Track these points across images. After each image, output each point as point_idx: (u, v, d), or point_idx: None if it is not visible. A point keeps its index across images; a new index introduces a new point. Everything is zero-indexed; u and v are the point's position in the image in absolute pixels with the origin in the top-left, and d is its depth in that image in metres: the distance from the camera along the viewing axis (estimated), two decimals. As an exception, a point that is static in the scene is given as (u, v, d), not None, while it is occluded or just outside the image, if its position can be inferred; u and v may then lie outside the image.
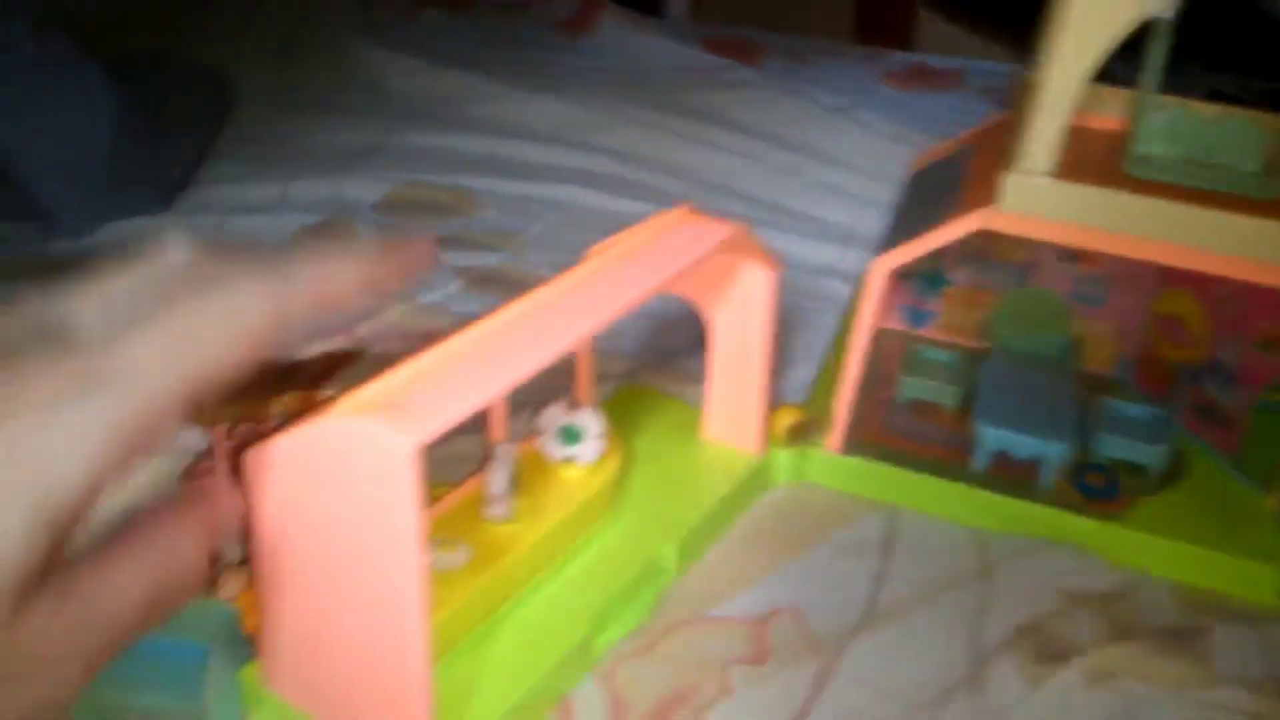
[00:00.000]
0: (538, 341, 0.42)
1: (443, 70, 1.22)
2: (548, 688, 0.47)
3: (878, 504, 0.61)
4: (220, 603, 0.46)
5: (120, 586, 0.28)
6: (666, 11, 1.82)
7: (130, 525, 0.29)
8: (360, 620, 0.40)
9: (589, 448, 0.54)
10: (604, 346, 0.62)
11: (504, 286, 0.81)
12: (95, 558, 0.28)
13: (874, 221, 0.91)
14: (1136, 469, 0.61)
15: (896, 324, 0.73)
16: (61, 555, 0.26)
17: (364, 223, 0.89)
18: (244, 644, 0.46)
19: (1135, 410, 0.63)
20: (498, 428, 0.53)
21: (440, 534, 0.49)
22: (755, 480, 0.60)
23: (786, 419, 0.60)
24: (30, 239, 0.89)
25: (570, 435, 0.54)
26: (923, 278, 0.71)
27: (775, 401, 0.62)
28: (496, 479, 0.50)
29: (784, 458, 0.61)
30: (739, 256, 0.55)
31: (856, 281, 0.83)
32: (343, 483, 0.37)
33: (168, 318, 0.27)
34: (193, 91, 1.14)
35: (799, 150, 1.04)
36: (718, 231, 0.51)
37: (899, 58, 1.39)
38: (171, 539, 0.30)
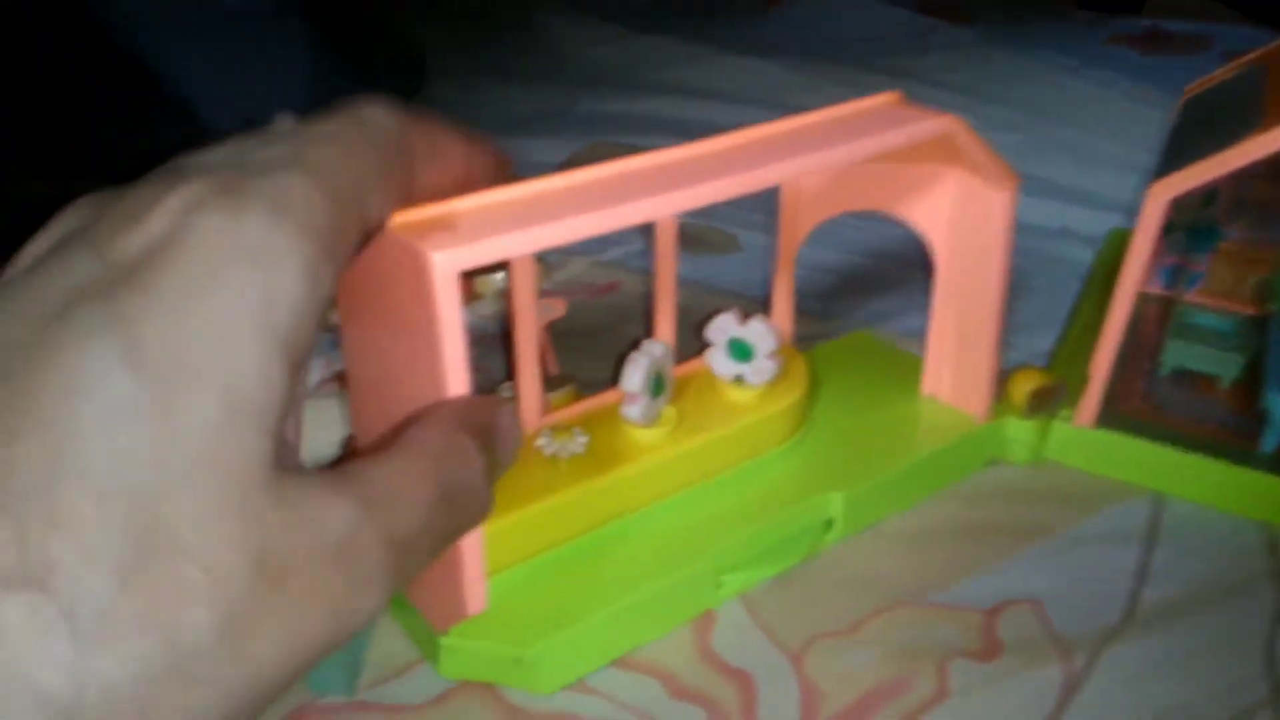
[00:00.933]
0: (655, 190, 0.36)
1: (630, 35, 1.17)
2: (648, 612, 0.41)
3: (1137, 489, 0.50)
4: None
5: (404, 485, 0.26)
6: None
7: (401, 429, 0.27)
8: None
9: (759, 367, 0.46)
10: (799, 306, 0.54)
11: (688, 244, 0.74)
12: (369, 454, 0.25)
13: (1114, 182, 0.80)
14: None
15: (1154, 288, 0.62)
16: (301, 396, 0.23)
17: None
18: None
19: None
20: (663, 326, 0.46)
21: (570, 425, 0.44)
22: (975, 447, 0.51)
23: (1029, 383, 0.51)
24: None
25: (739, 350, 0.46)
26: (1191, 232, 0.59)
27: (1008, 366, 0.52)
28: (632, 374, 0.43)
29: (1022, 428, 0.51)
30: (965, 171, 0.47)
31: (1095, 244, 0.72)
32: (394, 304, 0.33)
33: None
34: (389, 64, 1.13)
35: (1022, 108, 0.93)
36: (930, 122, 0.43)
37: (1129, 22, 1.25)
38: (452, 438, 0.28)
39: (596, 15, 1.22)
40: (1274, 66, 0.52)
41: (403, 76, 1.14)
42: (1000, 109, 0.92)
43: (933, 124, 0.43)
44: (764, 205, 0.53)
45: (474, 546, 0.36)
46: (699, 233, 0.76)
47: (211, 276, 0.21)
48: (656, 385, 0.44)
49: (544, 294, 0.47)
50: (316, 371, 0.50)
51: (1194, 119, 0.54)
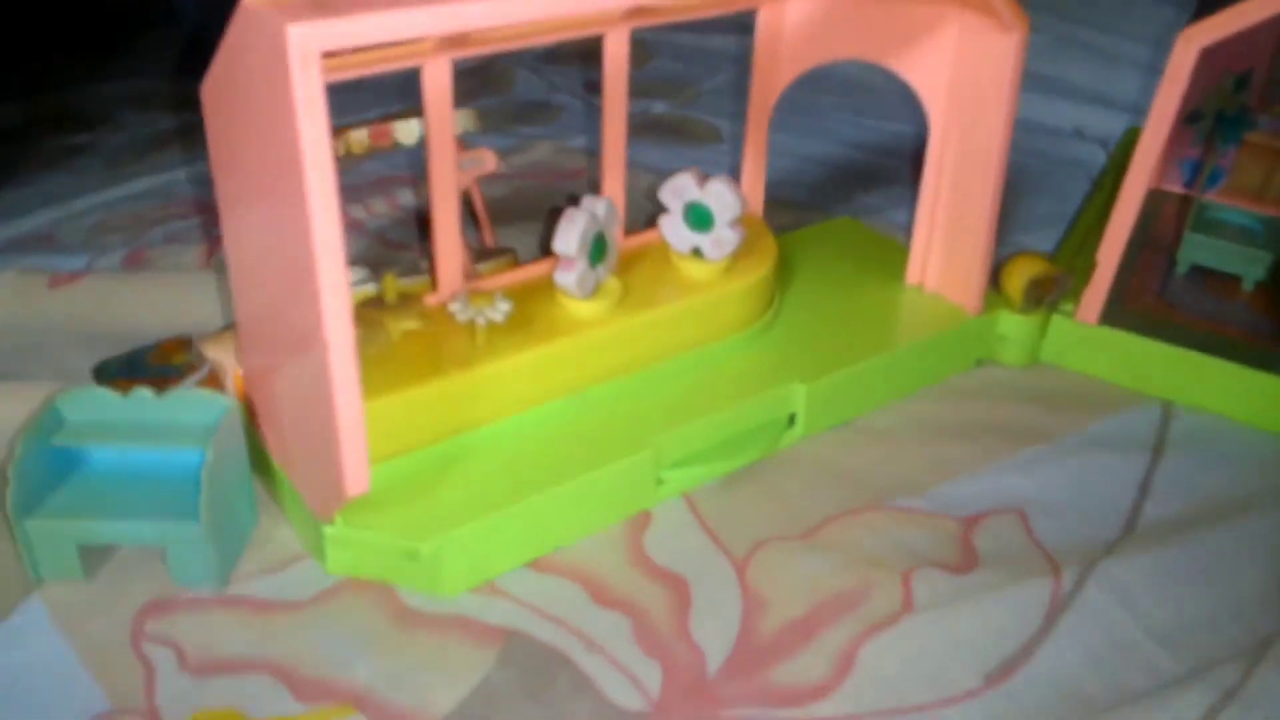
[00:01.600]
0: None
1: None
2: (574, 508, 0.36)
3: (1144, 396, 0.45)
4: (219, 395, 0.35)
5: None
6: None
7: None
8: (276, 312, 0.31)
9: (719, 238, 0.40)
10: (773, 195, 0.48)
11: (665, 134, 0.68)
12: None
13: (1133, 83, 0.73)
14: None
15: (1172, 185, 0.56)
16: None
17: (524, 69, 0.77)
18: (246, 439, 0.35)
19: None
20: (611, 180, 0.40)
21: (491, 291, 0.38)
22: (963, 343, 0.45)
23: (1028, 270, 0.44)
24: (190, 66, 0.82)
25: (697, 216, 0.41)
26: (1220, 119, 0.53)
27: (1006, 254, 0.46)
28: (567, 233, 0.37)
29: (1016, 323, 0.45)
30: (971, 12, 0.40)
31: (1110, 146, 0.66)
32: (254, 87, 0.28)
33: None
34: None
35: (1038, 6, 0.86)
36: None
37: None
38: None
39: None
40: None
41: None
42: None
43: None
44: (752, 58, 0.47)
45: (352, 415, 0.30)
46: (678, 122, 0.69)
47: None
48: (597, 250, 0.39)
49: (472, 147, 0.41)
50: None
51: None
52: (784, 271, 0.46)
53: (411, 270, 0.42)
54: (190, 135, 0.65)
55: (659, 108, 0.71)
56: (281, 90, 0.25)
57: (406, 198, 0.57)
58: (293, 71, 0.24)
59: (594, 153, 0.64)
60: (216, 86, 0.30)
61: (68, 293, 0.47)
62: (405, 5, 0.26)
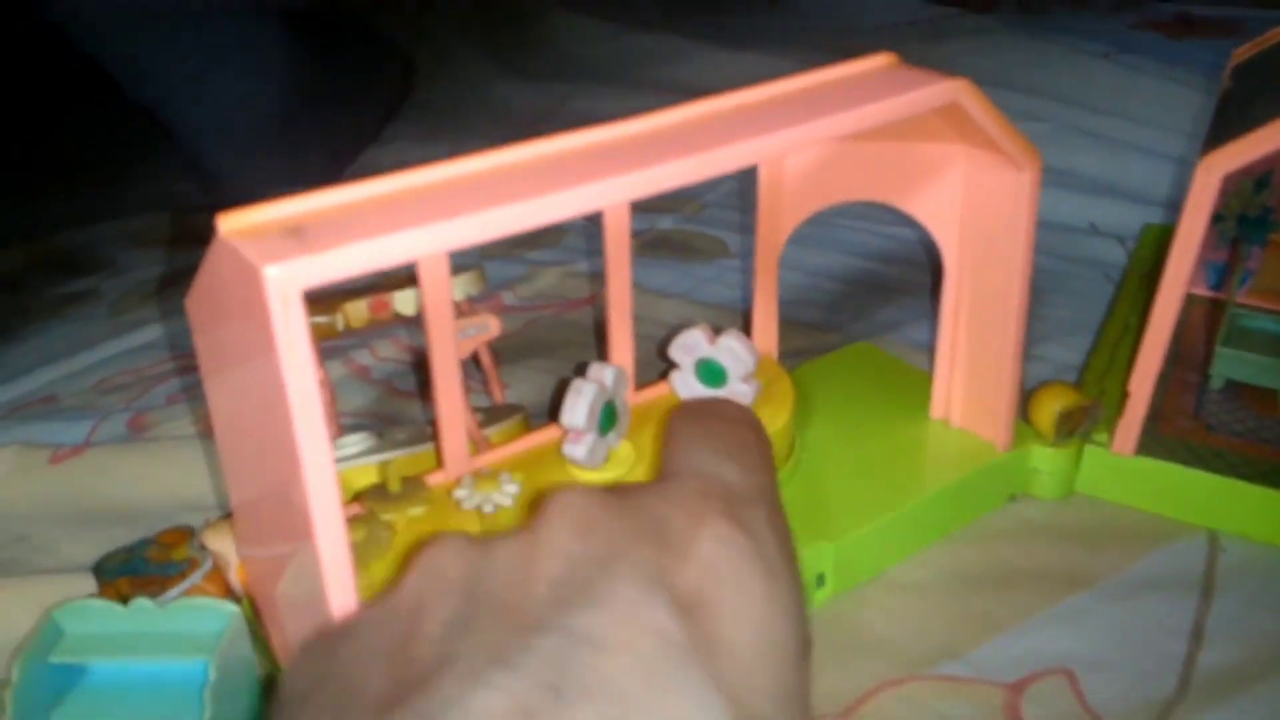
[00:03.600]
0: (593, 174, 0.28)
1: (631, 32, 1.11)
2: None
3: (1188, 527, 0.43)
4: (223, 604, 0.34)
5: None
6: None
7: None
8: (269, 509, 0.30)
9: (734, 393, 0.39)
10: (785, 315, 0.47)
11: (675, 250, 0.67)
12: None
13: (1146, 173, 0.72)
14: None
15: (1199, 288, 0.55)
16: None
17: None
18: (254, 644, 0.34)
19: None
20: (618, 347, 0.39)
21: (497, 470, 0.37)
22: (994, 480, 0.43)
23: (1057, 402, 0.43)
24: (195, 200, 0.82)
25: (709, 373, 0.39)
26: (1243, 221, 0.52)
27: (1031, 383, 0.45)
28: (574, 406, 0.35)
29: (1049, 457, 0.44)
30: (978, 149, 0.39)
31: (1127, 241, 0.64)
32: (235, 326, 0.27)
33: None
34: (374, 64, 1.08)
35: (1046, 96, 0.85)
36: (933, 87, 0.35)
37: (1155, 7, 1.17)
38: None
39: (596, 12, 1.15)
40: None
41: (388, 79, 1.09)
42: (1022, 98, 0.84)
43: (936, 89, 0.35)
44: (756, 206, 0.46)
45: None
46: (684, 238, 0.68)
47: None
48: (607, 418, 0.37)
49: (473, 309, 0.40)
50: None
51: (1247, 85, 0.46)
52: (801, 410, 0.44)
53: (418, 438, 0.41)
54: (192, 274, 0.64)
55: (665, 223, 0.70)
56: (262, 327, 0.24)
57: (416, 338, 0.56)
58: (273, 313, 0.23)
59: (601, 276, 0.63)
60: (199, 303, 0.29)
61: (68, 469, 0.46)
62: (391, 225, 0.25)
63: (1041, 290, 0.58)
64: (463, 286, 0.42)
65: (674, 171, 0.30)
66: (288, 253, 0.24)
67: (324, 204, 0.27)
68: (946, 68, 0.93)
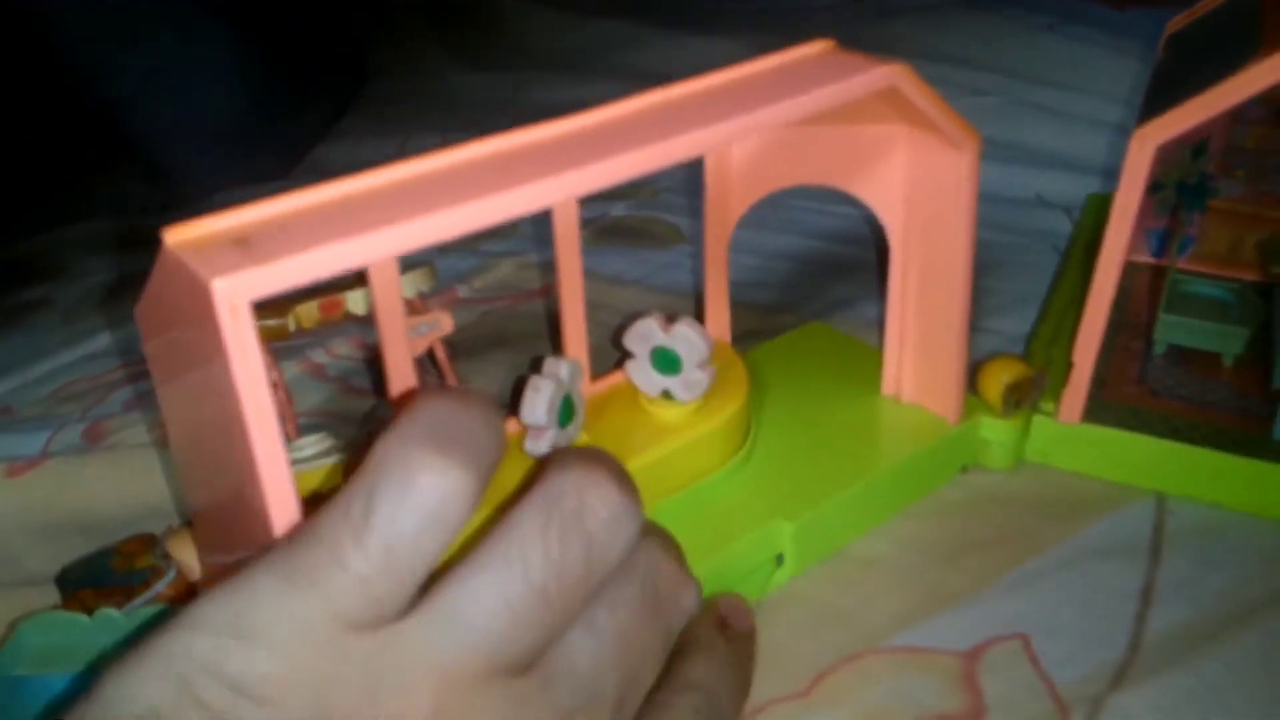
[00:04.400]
0: (537, 173, 0.29)
1: (588, 19, 1.11)
2: None
3: (1136, 491, 0.44)
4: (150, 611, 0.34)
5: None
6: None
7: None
8: (227, 515, 0.30)
9: (689, 380, 0.39)
10: (739, 297, 0.47)
11: (629, 237, 0.67)
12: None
13: (1091, 143, 0.73)
14: None
15: (1141, 256, 0.56)
16: None
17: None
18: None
19: None
20: (573, 341, 0.39)
21: None
22: (945, 454, 0.44)
23: (1004, 374, 0.44)
24: (147, 201, 0.81)
25: (664, 360, 0.40)
26: (1181, 188, 0.53)
27: (980, 355, 0.45)
28: (534, 404, 0.36)
29: (998, 428, 0.44)
30: (918, 130, 0.40)
31: (1074, 212, 0.65)
32: (185, 330, 0.27)
33: None
34: (325, 60, 1.08)
35: (994, 70, 0.86)
36: (870, 73, 0.36)
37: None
38: None
39: (552, 1, 1.15)
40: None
41: (340, 74, 1.08)
42: (970, 72, 0.85)
43: (873, 75, 0.36)
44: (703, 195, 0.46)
45: None
46: (639, 224, 0.69)
47: None
48: (565, 412, 0.38)
49: (426, 306, 0.41)
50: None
51: (1180, 56, 0.47)
52: (756, 392, 0.45)
53: (377, 425, 0.41)
54: (143, 280, 0.64)
55: (618, 209, 0.71)
56: (212, 339, 0.24)
57: (370, 335, 0.56)
58: (222, 326, 0.23)
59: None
60: (148, 315, 0.29)
61: (25, 482, 0.46)
62: (337, 233, 0.25)
63: (990, 264, 0.59)
64: (413, 283, 0.42)
65: (617, 166, 0.31)
66: (235, 265, 0.24)
67: (270, 213, 0.27)
68: (898, 45, 0.94)
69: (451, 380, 0.45)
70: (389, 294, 0.35)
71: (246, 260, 0.24)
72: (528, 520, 0.26)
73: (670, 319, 0.40)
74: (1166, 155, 0.49)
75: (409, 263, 0.41)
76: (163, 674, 0.21)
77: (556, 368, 0.37)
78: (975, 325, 0.45)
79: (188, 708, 0.21)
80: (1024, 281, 0.58)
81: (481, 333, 0.57)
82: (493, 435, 0.26)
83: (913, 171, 0.41)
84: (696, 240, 0.66)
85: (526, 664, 0.25)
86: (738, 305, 0.47)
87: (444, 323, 0.40)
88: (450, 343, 0.45)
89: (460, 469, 0.24)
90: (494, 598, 0.24)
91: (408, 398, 0.30)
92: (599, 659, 0.27)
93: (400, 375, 0.37)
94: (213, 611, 0.22)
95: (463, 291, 0.62)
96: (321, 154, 0.89)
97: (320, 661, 0.22)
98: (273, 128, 0.91)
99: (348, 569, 0.23)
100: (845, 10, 1.08)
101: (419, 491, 0.23)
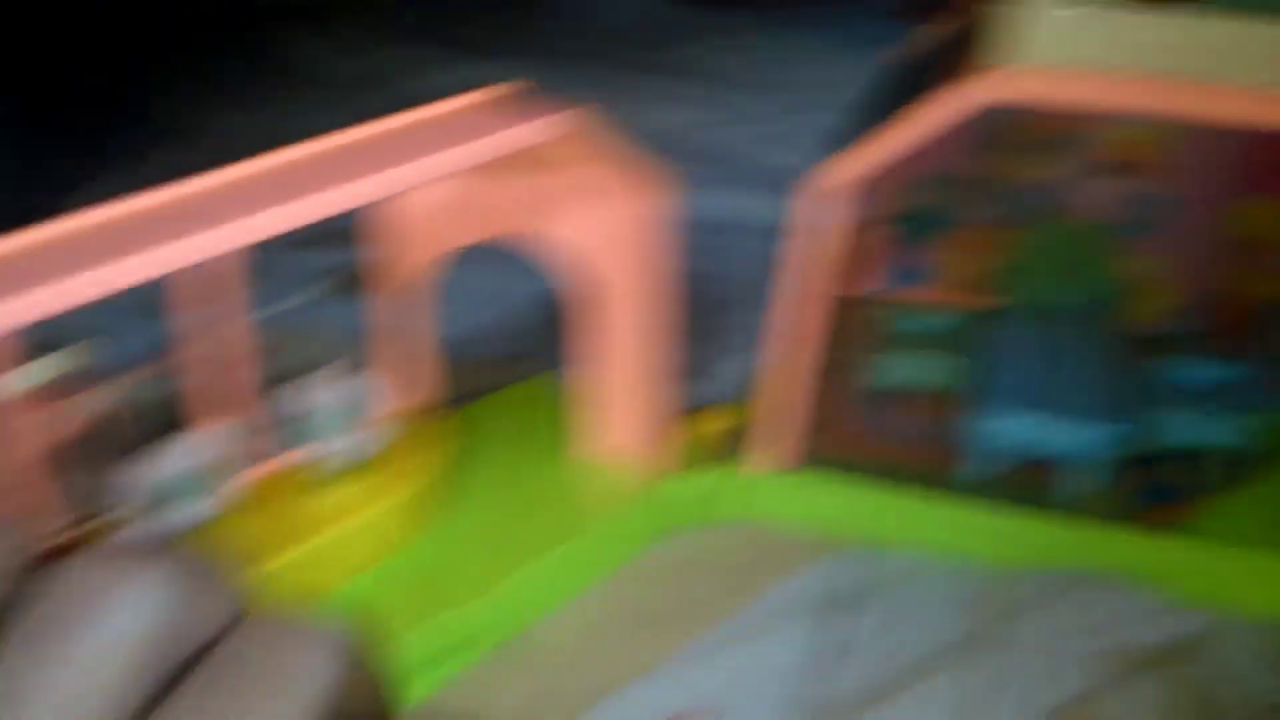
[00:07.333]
0: (154, 239, 0.28)
1: (383, 46, 1.09)
2: None
3: (845, 540, 0.43)
4: None
5: None
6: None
7: None
8: None
9: (338, 446, 0.37)
10: (472, 351, 0.45)
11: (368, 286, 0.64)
12: None
13: (809, 155, 0.73)
14: (1210, 456, 0.42)
15: (879, 290, 0.55)
16: None
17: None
18: None
19: (1207, 372, 0.44)
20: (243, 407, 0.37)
21: None
22: (646, 517, 0.43)
23: (712, 425, 0.43)
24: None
25: (322, 426, 0.37)
26: (916, 219, 0.52)
27: (700, 403, 0.44)
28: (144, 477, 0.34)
29: (701, 482, 0.43)
30: (607, 177, 0.38)
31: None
32: None
33: None
34: (88, 112, 1.03)
35: (700, 75, 0.86)
36: (547, 120, 0.34)
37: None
38: None
39: (353, 30, 1.12)
40: (974, 27, 0.45)
41: (92, 124, 1.03)
42: (746, 98, 0.84)
43: (550, 120, 0.34)
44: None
45: None
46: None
47: None
48: (191, 489, 0.35)
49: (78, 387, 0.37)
50: None
51: (888, 89, 0.46)
52: (466, 454, 0.43)
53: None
54: None
55: (358, 256, 0.68)
56: None
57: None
58: None
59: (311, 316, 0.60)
60: None
61: None
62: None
63: (732, 301, 0.58)
64: (59, 365, 0.39)
65: (235, 231, 0.30)
66: None
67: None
68: (691, 71, 0.92)
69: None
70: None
71: None
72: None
73: (348, 372, 0.38)
74: (891, 189, 0.49)
75: (62, 340, 0.38)
76: None
77: (197, 441, 0.35)
78: (702, 370, 0.44)
79: None
80: (755, 318, 0.57)
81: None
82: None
83: (603, 221, 0.39)
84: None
85: None
86: (466, 360, 0.45)
87: (67, 417, 0.37)
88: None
89: None
90: None
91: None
92: None
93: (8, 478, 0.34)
94: None
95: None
96: (62, 206, 0.84)
97: None
98: (16, 170, 0.87)
99: None
100: (651, 34, 1.08)
101: None
